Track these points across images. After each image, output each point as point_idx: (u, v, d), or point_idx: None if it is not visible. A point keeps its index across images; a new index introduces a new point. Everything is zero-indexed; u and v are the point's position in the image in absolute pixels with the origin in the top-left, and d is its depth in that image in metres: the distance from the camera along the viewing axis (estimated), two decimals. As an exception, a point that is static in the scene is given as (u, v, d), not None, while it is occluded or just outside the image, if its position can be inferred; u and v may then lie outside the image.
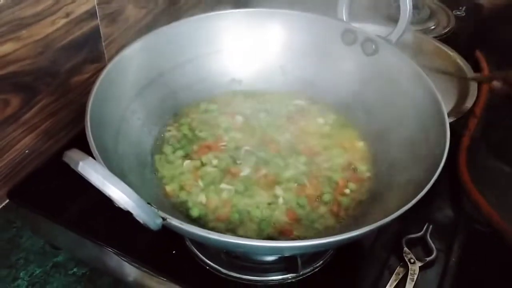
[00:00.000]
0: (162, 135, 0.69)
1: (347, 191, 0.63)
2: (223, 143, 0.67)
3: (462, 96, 0.86)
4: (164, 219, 0.46)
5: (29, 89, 0.68)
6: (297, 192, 0.62)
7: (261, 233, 0.58)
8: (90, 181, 0.42)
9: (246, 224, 0.59)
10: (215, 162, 0.65)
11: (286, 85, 0.75)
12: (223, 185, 0.62)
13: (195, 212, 0.60)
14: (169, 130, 0.69)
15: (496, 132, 0.80)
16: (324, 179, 0.64)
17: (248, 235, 0.58)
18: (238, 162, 0.65)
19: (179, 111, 0.70)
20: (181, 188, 0.63)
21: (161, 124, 0.69)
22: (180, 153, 0.67)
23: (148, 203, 0.45)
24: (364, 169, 0.65)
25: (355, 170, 0.65)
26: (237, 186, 0.62)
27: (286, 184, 0.63)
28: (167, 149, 0.67)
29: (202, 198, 0.61)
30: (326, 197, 0.62)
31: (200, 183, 0.63)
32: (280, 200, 0.61)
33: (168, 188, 0.63)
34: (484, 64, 0.93)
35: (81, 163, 0.41)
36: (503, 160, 0.73)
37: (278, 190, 0.62)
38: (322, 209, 0.61)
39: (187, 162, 0.66)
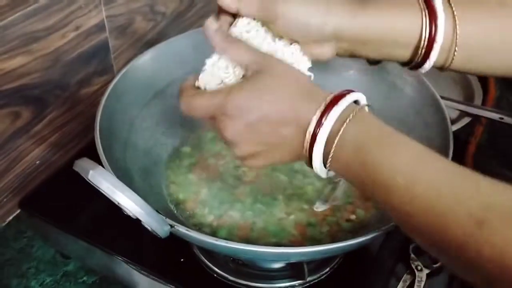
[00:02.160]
0: (172, 146, 0.69)
1: (353, 217, 0.62)
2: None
3: (468, 100, 0.86)
4: (172, 226, 0.46)
5: (39, 101, 0.70)
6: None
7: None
8: (100, 189, 0.43)
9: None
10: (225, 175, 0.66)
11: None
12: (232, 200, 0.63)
13: (201, 224, 0.60)
14: (180, 142, 0.70)
15: (502, 139, 0.80)
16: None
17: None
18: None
19: (190, 122, 0.71)
20: (190, 197, 0.63)
21: (169, 134, 0.69)
22: (189, 163, 0.67)
23: (157, 211, 0.46)
24: None
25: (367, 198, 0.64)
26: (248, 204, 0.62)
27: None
28: (177, 159, 0.68)
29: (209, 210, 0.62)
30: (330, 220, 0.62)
31: (209, 194, 0.64)
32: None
33: (177, 198, 0.63)
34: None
35: (91, 172, 0.42)
36: (509, 167, 0.73)
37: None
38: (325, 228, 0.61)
39: (196, 173, 0.66)
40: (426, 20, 0.47)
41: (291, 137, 0.43)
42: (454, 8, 0.47)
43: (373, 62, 0.57)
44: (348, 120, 0.41)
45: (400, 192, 0.38)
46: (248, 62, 0.45)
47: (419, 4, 0.48)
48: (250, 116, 0.43)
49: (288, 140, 0.44)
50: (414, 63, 0.50)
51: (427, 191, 0.37)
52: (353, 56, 0.52)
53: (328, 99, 0.42)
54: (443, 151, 0.53)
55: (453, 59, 0.49)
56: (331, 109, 0.41)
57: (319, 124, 0.41)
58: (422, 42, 0.48)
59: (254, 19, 0.48)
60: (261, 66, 0.44)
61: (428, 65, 0.50)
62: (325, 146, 0.42)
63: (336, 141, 0.41)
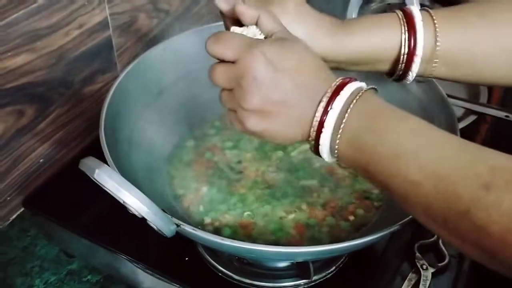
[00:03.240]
0: (176, 143, 0.69)
1: (352, 217, 0.61)
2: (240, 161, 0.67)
3: (473, 98, 0.86)
4: (178, 225, 0.46)
5: (43, 99, 0.70)
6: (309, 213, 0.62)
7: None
8: (106, 188, 0.43)
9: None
10: (229, 175, 0.66)
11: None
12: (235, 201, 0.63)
13: (204, 223, 0.60)
14: (184, 140, 0.70)
15: (508, 137, 0.80)
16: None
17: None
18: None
19: (193, 120, 0.71)
20: (191, 194, 0.63)
21: (174, 132, 0.69)
22: (191, 159, 0.67)
23: (163, 210, 0.46)
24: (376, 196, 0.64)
25: (367, 197, 0.64)
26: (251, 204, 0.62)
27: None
28: (180, 155, 0.68)
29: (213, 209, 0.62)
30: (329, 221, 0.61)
31: (210, 191, 0.64)
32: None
33: (181, 195, 0.63)
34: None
35: (97, 171, 0.42)
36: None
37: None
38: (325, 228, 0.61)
39: (198, 169, 0.66)
40: (405, 36, 0.50)
41: (304, 104, 0.43)
42: (435, 22, 0.50)
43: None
44: (358, 96, 0.41)
45: (407, 158, 0.38)
46: (276, 29, 0.45)
47: (399, 20, 0.51)
48: (279, 64, 0.42)
49: (301, 106, 0.43)
50: (395, 76, 0.53)
51: (434, 155, 0.37)
52: (337, 69, 0.54)
53: (339, 79, 0.43)
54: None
55: (433, 70, 0.52)
56: (344, 87, 0.42)
57: (333, 96, 0.41)
58: (402, 57, 0.51)
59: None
60: (287, 35, 0.45)
61: (410, 77, 0.53)
62: (336, 120, 0.42)
63: (347, 112, 0.41)
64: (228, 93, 0.45)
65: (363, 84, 0.44)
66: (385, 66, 0.53)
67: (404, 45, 0.50)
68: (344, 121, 0.41)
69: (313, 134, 0.43)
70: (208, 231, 0.59)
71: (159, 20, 0.87)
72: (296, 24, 0.49)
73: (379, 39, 0.52)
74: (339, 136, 0.42)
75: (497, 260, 0.34)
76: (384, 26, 0.52)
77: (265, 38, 0.46)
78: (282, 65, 0.42)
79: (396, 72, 0.53)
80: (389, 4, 1.00)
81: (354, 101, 0.41)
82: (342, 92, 0.42)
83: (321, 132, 0.42)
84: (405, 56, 0.51)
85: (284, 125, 0.44)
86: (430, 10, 0.51)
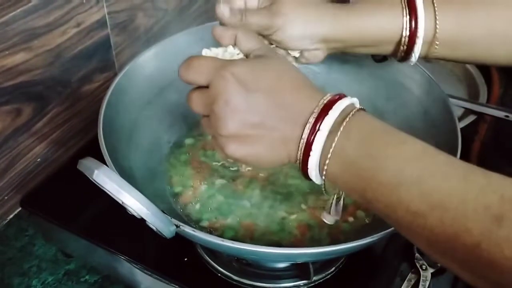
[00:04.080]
0: (175, 143, 0.69)
1: (351, 219, 0.61)
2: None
3: (472, 98, 0.86)
4: (177, 226, 0.46)
5: (41, 98, 0.69)
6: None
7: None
8: (105, 189, 0.43)
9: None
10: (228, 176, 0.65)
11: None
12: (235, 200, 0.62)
13: (204, 223, 0.60)
14: (183, 139, 0.70)
15: (508, 136, 0.80)
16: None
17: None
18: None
19: (192, 119, 0.70)
20: (193, 196, 0.63)
21: (173, 132, 0.69)
22: (190, 158, 0.67)
23: (162, 211, 0.45)
24: None
25: None
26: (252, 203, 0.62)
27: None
28: (178, 154, 0.67)
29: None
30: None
31: (210, 191, 0.63)
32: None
33: (180, 195, 0.63)
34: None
35: (96, 171, 0.42)
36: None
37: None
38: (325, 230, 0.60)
39: (197, 168, 0.66)
40: (406, 18, 0.51)
41: (288, 125, 0.41)
42: (435, 4, 0.51)
43: (379, 59, 0.59)
44: (350, 115, 0.39)
45: (408, 188, 0.36)
46: (254, 47, 0.45)
47: (401, 3, 0.52)
48: (252, 86, 0.40)
49: (283, 128, 0.41)
50: (398, 57, 0.54)
51: (439, 184, 0.35)
52: (343, 53, 0.57)
53: (327, 97, 0.41)
54: (451, 150, 0.53)
55: (435, 51, 0.53)
56: (333, 105, 0.40)
57: (321, 115, 0.39)
58: (403, 39, 0.52)
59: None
60: (265, 52, 0.44)
61: (413, 58, 0.54)
62: (325, 141, 0.40)
63: (338, 134, 0.39)
64: (207, 119, 0.44)
65: (354, 100, 0.42)
66: (389, 47, 0.55)
67: (406, 27, 0.52)
68: (334, 144, 0.39)
69: (300, 156, 0.41)
70: (207, 230, 0.59)
71: (157, 18, 0.86)
72: (298, 7, 0.50)
73: (381, 21, 0.53)
74: (328, 159, 0.39)
75: None
76: (385, 8, 0.53)
77: (245, 57, 0.45)
78: (256, 85, 0.40)
79: (397, 54, 0.54)
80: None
81: (345, 122, 0.39)
82: (330, 112, 0.39)
83: (309, 155, 0.40)
84: (407, 38, 0.52)
85: (266, 148, 0.42)
86: None
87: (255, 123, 0.41)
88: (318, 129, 0.39)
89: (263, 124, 0.41)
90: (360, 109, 0.41)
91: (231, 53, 0.46)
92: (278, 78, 0.42)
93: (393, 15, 0.52)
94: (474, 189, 0.34)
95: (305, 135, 0.40)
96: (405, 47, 0.53)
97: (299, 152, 0.41)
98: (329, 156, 0.39)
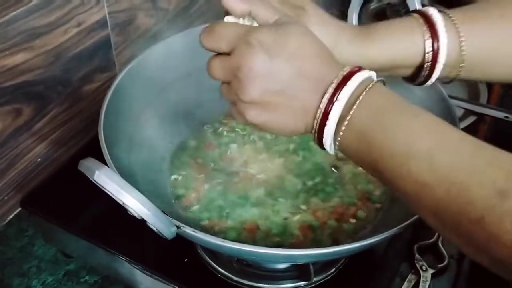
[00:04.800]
0: (176, 143, 0.69)
1: (353, 220, 0.61)
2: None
3: (473, 99, 0.86)
4: (178, 227, 0.46)
5: (41, 98, 0.69)
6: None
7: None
8: (106, 190, 0.43)
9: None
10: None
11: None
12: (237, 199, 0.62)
13: (205, 224, 0.60)
14: (184, 140, 0.70)
15: (508, 137, 0.80)
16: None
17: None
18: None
19: (194, 119, 0.71)
20: (194, 197, 0.63)
21: (174, 132, 0.69)
22: (193, 159, 0.67)
23: (163, 212, 0.45)
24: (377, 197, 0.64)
25: (368, 198, 0.64)
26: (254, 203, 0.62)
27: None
28: (180, 155, 0.67)
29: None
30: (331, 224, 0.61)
31: (212, 192, 0.63)
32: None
33: (181, 196, 0.63)
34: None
35: (97, 172, 0.42)
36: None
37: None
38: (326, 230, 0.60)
39: (199, 169, 0.66)
40: (429, 43, 0.49)
41: (308, 93, 0.41)
42: (457, 25, 0.49)
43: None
44: (368, 87, 0.40)
45: (419, 158, 0.36)
46: (277, 15, 0.44)
47: (421, 27, 0.49)
48: (275, 52, 0.40)
49: (303, 96, 0.41)
50: (417, 81, 0.52)
51: (448, 157, 0.36)
52: None
53: (347, 68, 0.41)
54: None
55: (459, 74, 0.51)
56: (352, 76, 0.40)
57: (340, 85, 0.40)
58: (426, 64, 0.50)
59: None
60: (288, 20, 0.43)
61: (430, 82, 0.52)
62: (342, 111, 0.40)
63: (356, 104, 0.39)
64: (227, 86, 0.44)
65: (372, 74, 0.42)
66: (407, 72, 0.52)
67: (428, 52, 0.49)
68: (351, 113, 0.39)
69: (316, 125, 0.41)
70: (208, 231, 0.58)
71: (157, 18, 0.86)
72: (317, 31, 0.46)
73: (401, 46, 0.50)
74: (343, 129, 0.40)
75: (509, 271, 0.33)
76: (405, 33, 0.50)
77: None
78: (279, 52, 0.40)
79: (419, 78, 0.52)
80: (388, 3, 1.00)
81: (364, 93, 0.39)
82: (349, 83, 0.40)
83: (325, 124, 0.41)
84: (429, 63, 0.50)
85: (286, 116, 0.42)
86: (447, 12, 0.50)
87: (276, 90, 0.41)
88: (336, 99, 0.40)
89: (284, 92, 0.41)
90: (378, 81, 0.42)
91: (249, 22, 0.44)
92: (301, 46, 0.41)
93: (413, 39, 0.50)
94: (481, 164, 0.35)
95: (323, 105, 0.40)
96: (426, 72, 0.51)
97: (315, 121, 0.41)
98: (343, 126, 0.40)
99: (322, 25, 0.49)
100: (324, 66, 0.41)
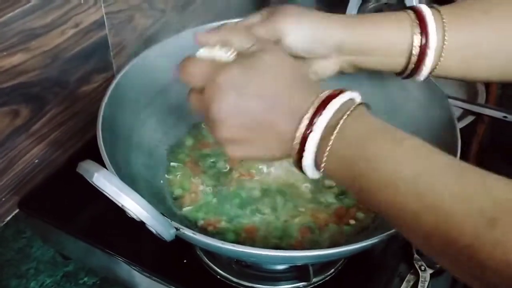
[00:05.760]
0: (174, 144, 0.69)
1: (352, 222, 0.61)
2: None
3: (471, 99, 0.86)
4: (177, 229, 0.46)
5: (38, 99, 0.69)
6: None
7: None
8: (104, 192, 0.43)
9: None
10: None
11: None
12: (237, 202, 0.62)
13: (204, 225, 0.60)
14: (182, 141, 0.69)
15: (506, 137, 0.80)
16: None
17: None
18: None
19: (192, 120, 0.70)
20: (192, 198, 0.62)
21: (173, 133, 0.69)
22: (190, 160, 0.67)
23: (162, 214, 0.45)
24: None
25: None
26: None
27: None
28: (180, 157, 0.67)
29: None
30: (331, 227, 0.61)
31: (211, 193, 0.63)
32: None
33: (180, 197, 0.63)
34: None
35: (96, 174, 0.42)
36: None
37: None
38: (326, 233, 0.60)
39: (199, 171, 0.65)
40: (417, 29, 0.50)
41: (282, 125, 0.41)
42: (443, 17, 0.50)
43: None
44: (346, 114, 0.39)
45: (403, 189, 0.36)
46: (251, 42, 0.44)
47: (409, 15, 0.51)
48: (243, 90, 0.40)
49: (278, 128, 0.41)
50: (408, 70, 0.52)
51: (433, 185, 0.35)
52: (356, 69, 0.54)
53: (325, 93, 0.41)
54: (451, 151, 0.53)
55: (441, 66, 0.51)
56: (329, 102, 0.40)
57: (316, 114, 0.39)
58: (416, 49, 0.50)
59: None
60: (262, 47, 0.43)
61: (425, 71, 0.52)
62: (320, 141, 0.40)
63: (334, 134, 0.39)
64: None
65: (354, 95, 0.41)
66: (401, 60, 0.52)
67: (417, 38, 0.50)
68: (329, 144, 0.39)
69: (295, 156, 0.41)
70: (207, 232, 0.58)
71: (155, 19, 0.86)
72: (304, 18, 0.48)
73: (394, 29, 0.51)
74: (325, 159, 0.40)
75: None
76: (394, 20, 0.51)
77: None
78: (248, 89, 0.40)
79: (409, 66, 0.52)
80: (386, 3, 1.00)
81: (341, 121, 0.39)
82: (324, 111, 0.39)
83: (302, 156, 0.41)
84: (419, 48, 0.50)
85: (263, 148, 0.43)
86: (438, 8, 0.51)
87: (250, 127, 0.41)
88: (311, 131, 0.39)
89: (258, 127, 0.41)
90: (360, 104, 0.41)
91: (220, 53, 0.44)
92: (272, 78, 0.41)
93: (404, 25, 0.51)
94: (468, 191, 0.34)
95: (298, 136, 0.40)
96: (415, 57, 0.51)
97: (293, 151, 0.41)
98: (324, 156, 0.39)
99: (306, 13, 0.50)
100: (298, 94, 0.41)
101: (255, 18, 0.51)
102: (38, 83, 0.67)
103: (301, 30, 0.49)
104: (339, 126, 0.39)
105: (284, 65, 0.43)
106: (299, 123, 0.40)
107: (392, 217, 0.38)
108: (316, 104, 0.40)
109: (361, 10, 0.78)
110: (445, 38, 0.49)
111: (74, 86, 0.74)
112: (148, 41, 0.84)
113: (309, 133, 0.39)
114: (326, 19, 0.50)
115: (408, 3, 0.69)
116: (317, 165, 0.41)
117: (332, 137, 0.39)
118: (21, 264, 0.67)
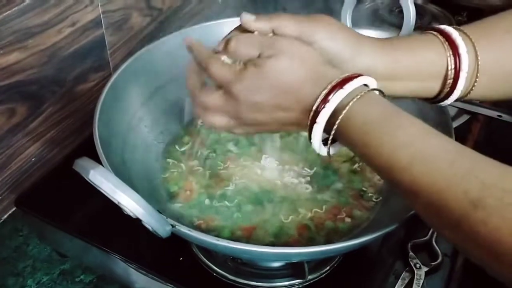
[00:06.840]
0: (170, 143, 0.69)
1: (348, 219, 0.61)
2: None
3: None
4: (173, 226, 0.46)
5: (35, 98, 0.69)
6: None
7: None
8: (100, 189, 0.43)
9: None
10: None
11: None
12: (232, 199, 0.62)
13: (200, 223, 0.60)
14: (178, 139, 0.70)
15: (501, 136, 0.81)
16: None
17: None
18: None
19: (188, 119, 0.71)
20: (188, 196, 0.63)
21: (168, 131, 0.69)
22: (185, 157, 0.67)
23: (158, 211, 0.45)
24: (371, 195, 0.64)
25: (362, 196, 0.64)
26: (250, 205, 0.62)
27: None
28: (175, 155, 0.67)
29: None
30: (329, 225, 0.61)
31: (206, 190, 0.63)
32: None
33: (175, 194, 0.63)
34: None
35: (92, 172, 0.42)
36: (508, 165, 0.73)
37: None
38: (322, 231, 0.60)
39: (195, 169, 0.66)
40: (449, 52, 0.49)
41: (292, 116, 0.45)
42: (471, 38, 0.49)
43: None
44: (355, 98, 0.41)
45: (400, 172, 0.39)
46: (260, 50, 0.45)
47: (439, 38, 0.49)
48: (255, 97, 0.45)
49: (286, 119, 0.46)
50: (442, 94, 0.51)
51: (427, 169, 0.38)
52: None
53: (336, 80, 0.43)
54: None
55: (474, 86, 0.50)
56: (339, 88, 0.42)
57: (324, 100, 0.42)
58: (450, 72, 0.49)
59: None
60: (273, 51, 0.45)
61: (455, 95, 0.51)
62: (330, 117, 0.42)
63: (342, 114, 0.42)
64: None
65: (368, 80, 0.44)
66: (435, 84, 0.51)
67: (450, 60, 0.48)
68: (337, 122, 0.42)
69: (308, 125, 0.45)
70: (202, 230, 0.58)
71: (152, 18, 0.86)
72: (338, 35, 0.47)
73: (426, 53, 0.49)
74: (333, 131, 0.43)
75: (489, 268, 0.36)
76: (428, 43, 0.50)
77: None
78: (260, 96, 0.44)
79: (443, 90, 0.51)
80: (382, 2, 1.00)
81: (351, 103, 0.41)
82: (339, 90, 0.42)
83: (314, 123, 0.44)
84: (453, 71, 0.49)
85: (278, 127, 0.47)
86: (461, 28, 0.50)
87: (258, 121, 0.46)
88: (324, 106, 0.42)
89: (266, 122, 0.47)
90: (373, 89, 0.44)
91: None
92: (299, 64, 0.44)
93: (437, 49, 0.49)
94: (459, 174, 0.37)
95: (314, 109, 0.43)
96: (450, 81, 0.49)
97: (308, 124, 0.44)
98: (333, 131, 0.43)
99: (340, 30, 0.48)
100: (311, 86, 0.44)
101: (284, 18, 0.48)
102: (35, 82, 0.68)
103: (330, 42, 0.47)
104: (348, 106, 0.41)
105: (295, 64, 0.45)
106: (317, 98, 0.43)
107: (395, 186, 0.41)
108: (334, 83, 0.42)
109: (356, 9, 0.78)
110: (478, 59, 0.49)
111: (71, 84, 0.74)
112: (145, 40, 0.85)
113: (322, 108, 0.42)
114: (355, 41, 0.48)
115: (403, 4, 0.69)
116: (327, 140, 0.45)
117: (340, 116, 0.42)
118: (17, 262, 0.67)
